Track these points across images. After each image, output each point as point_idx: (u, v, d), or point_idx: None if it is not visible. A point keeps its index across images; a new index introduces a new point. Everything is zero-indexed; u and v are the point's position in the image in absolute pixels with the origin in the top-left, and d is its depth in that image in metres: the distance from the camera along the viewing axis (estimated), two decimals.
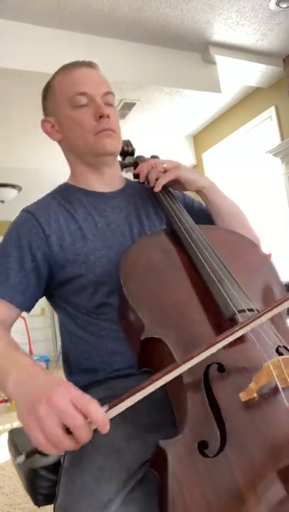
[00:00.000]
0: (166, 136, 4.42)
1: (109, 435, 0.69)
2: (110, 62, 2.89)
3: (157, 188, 0.96)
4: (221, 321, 0.70)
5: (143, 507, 0.58)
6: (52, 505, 0.71)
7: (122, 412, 0.57)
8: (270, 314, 0.62)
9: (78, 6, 2.57)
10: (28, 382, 0.61)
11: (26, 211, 0.93)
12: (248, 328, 0.61)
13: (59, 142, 1.00)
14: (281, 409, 0.57)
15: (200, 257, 0.80)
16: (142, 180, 1.02)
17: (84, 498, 0.60)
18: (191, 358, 0.58)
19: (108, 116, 0.91)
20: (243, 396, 0.58)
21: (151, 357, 0.73)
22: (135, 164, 1.11)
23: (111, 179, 1.01)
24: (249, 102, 3.97)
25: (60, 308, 0.95)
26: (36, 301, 0.92)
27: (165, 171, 0.98)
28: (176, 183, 1.00)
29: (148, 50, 3.08)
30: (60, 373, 0.96)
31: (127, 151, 1.13)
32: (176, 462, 0.53)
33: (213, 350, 0.59)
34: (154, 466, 0.58)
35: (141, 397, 0.57)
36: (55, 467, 0.91)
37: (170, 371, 0.57)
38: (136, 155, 1.15)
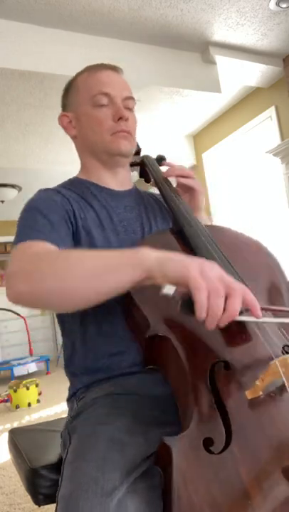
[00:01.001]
0: (166, 136, 4.42)
1: (112, 429, 0.69)
2: (110, 62, 2.88)
3: (180, 181, 1.01)
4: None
5: (147, 498, 0.59)
6: (52, 505, 0.71)
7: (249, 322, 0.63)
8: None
9: (78, 6, 2.57)
10: (170, 255, 0.63)
11: (48, 189, 0.93)
12: (269, 320, 0.63)
13: (73, 137, 1.02)
14: (287, 407, 0.58)
15: (205, 254, 0.81)
16: (167, 175, 1.03)
17: (89, 487, 0.60)
18: None
19: (127, 119, 0.94)
20: (249, 394, 0.58)
21: (157, 354, 0.73)
22: (141, 164, 1.12)
23: (123, 179, 1.03)
24: (249, 102, 3.97)
25: None
26: None
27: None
28: (186, 198, 1.03)
29: (148, 50, 3.09)
30: (60, 373, 0.96)
31: None
32: (181, 458, 0.54)
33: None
34: (159, 463, 0.58)
35: (274, 321, 0.63)
36: (56, 466, 0.91)
37: None
38: (142, 154, 1.16)
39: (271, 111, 3.74)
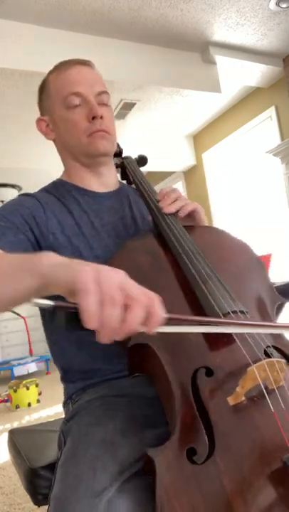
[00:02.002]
0: (166, 136, 4.42)
1: (105, 430, 0.69)
2: (110, 62, 2.89)
3: (181, 213, 0.92)
4: None
5: (138, 498, 0.58)
6: None
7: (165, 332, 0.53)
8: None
9: (78, 6, 2.57)
10: (71, 262, 0.55)
11: (25, 194, 0.92)
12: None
13: (54, 141, 1.00)
14: (269, 412, 0.56)
15: (184, 258, 0.78)
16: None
17: (79, 487, 0.60)
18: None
19: (102, 117, 0.91)
20: (231, 400, 0.57)
21: (140, 363, 0.71)
22: (122, 166, 1.09)
23: (107, 179, 1.00)
24: (249, 102, 3.97)
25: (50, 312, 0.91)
26: None
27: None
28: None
29: (148, 50, 3.08)
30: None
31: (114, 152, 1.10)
32: (164, 471, 0.53)
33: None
34: (146, 473, 0.58)
35: (191, 331, 0.56)
36: (55, 467, 0.91)
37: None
38: (124, 155, 1.13)
39: (271, 111, 3.74)
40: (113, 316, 0.48)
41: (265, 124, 3.83)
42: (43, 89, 0.98)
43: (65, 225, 0.89)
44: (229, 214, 4.35)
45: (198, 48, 3.20)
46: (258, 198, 3.95)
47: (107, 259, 0.83)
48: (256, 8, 2.80)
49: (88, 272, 0.49)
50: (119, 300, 0.48)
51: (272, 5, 2.77)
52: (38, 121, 0.99)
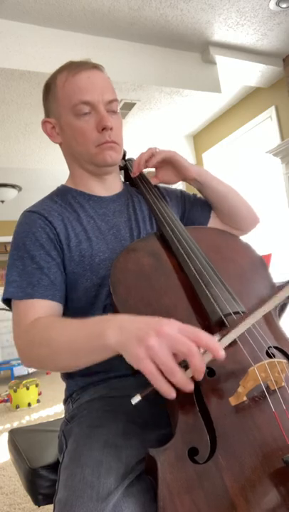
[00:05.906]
0: (166, 136, 4.42)
1: (107, 432, 0.69)
2: (110, 62, 2.89)
3: (151, 163, 0.97)
4: (210, 324, 0.69)
5: (142, 502, 0.59)
6: (52, 505, 0.71)
7: (231, 342, 0.59)
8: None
9: (78, 6, 2.57)
10: (131, 323, 0.61)
11: (31, 212, 0.90)
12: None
13: (59, 144, 0.99)
14: (270, 413, 0.57)
15: (186, 259, 0.79)
16: (135, 171, 1.01)
17: (84, 491, 0.60)
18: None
19: (111, 129, 0.89)
20: (233, 400, 0.58)
21: None
22: (125, 168, 1.10)
23: (111, 184, 1.01)
24: (249, 102, 3.97)
25: None
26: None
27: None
28: (170, 168, 1.00)
29: (148, 50, 3.08)
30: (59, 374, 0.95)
31: None
32: (166, 470, 0.53)
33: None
34: (148, 473, 0.58)
35: (247, 327, 0.59)
36: (55, 467, 0.91)
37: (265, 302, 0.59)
38: (127, 157, 1.14)
39: (271, 111, 3.74)
40: (177, 375, 0.54)
41: (265, 124, 3.83)
42: (49, 90, 0.95)
43: (73, 233, 0.90)
44: None
45: (198, 48, 3.20)
46: (258, 198, 3.95)
47: (113, 261, 0.84)
48: (256, 8, 2.80)
49: (141, 352, 0.55)
50: (175, 366, 0.54)
51: (272, 5, 2.77)
52: (44, 123, 0.97)
